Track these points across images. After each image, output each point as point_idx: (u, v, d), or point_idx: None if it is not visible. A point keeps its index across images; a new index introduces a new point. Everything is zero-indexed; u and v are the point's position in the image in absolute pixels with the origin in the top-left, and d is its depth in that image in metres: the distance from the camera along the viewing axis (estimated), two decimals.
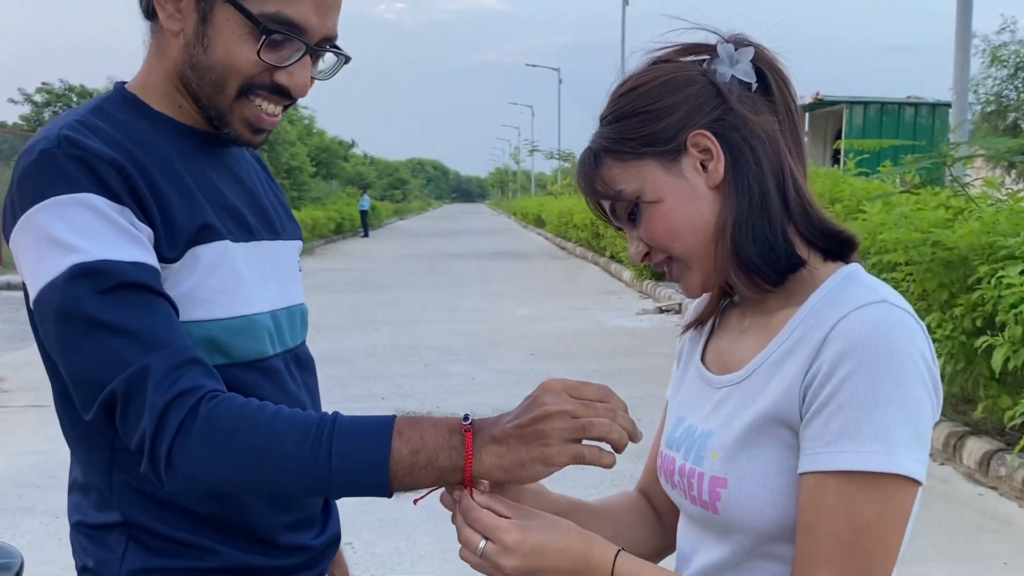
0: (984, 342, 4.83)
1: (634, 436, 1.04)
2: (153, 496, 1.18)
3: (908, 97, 18.46)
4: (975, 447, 5.11)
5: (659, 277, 13.67)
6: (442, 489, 1.07)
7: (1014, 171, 19.83)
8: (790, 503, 1.02)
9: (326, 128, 43.13)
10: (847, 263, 1.10)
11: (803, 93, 1.15)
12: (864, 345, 0.96)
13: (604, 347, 9.08)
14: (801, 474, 1.00)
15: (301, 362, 1.37)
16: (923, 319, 1.02)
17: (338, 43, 1.25)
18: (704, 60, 1.11)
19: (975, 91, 20.40)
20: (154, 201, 1.14)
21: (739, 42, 1.10)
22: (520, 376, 7.64)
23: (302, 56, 1.20)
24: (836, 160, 15.25)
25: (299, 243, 1.44)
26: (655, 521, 1.31)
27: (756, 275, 1.08)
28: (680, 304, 11.45)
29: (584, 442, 1.03)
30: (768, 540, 1.05)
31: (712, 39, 1.12)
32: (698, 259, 1.10)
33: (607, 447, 1.03)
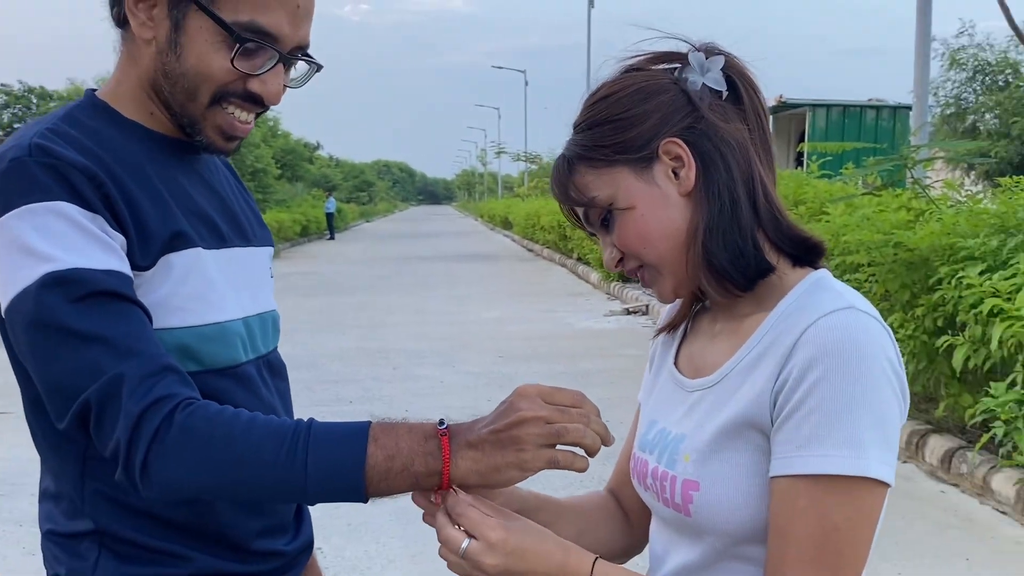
0: (945, 342, 4.92)
1: (606, 440, 1.06)
2: (125, 504, 1.17)
3: (870, 99, 18.70)
4: (937, 445, 5.20)
5: (626, 279, 13.74)
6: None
7: (973, 172, 20.16)
8: (762, 506, 1.03)
9: (291, 130, 42.92)
10: (815, 269, 1.12)
11: (766, 96, 1.17)
12: (833, 351, 0.98)
13: (572, 349, 9.11)
14: (772, 477, 1.02)
15: (273, 368, 1.37)
16: (885, 319, 1.04)
17: (309, 51, 1.26)
18: (675, 68, 1.13)
19: (935, 94, 20.70)
20: (126, 209, 1.14)
21: (710, 50, 1.12)
22: (489, 378, 7.65)
23: (275, 64, 1.21)
24: (799, 162, 15.42)
25: (270, 249, 1.44)
26: (623, 521, 1.33)
27: (727, 281, 1.09)
28: (647, 306, 11.52)
29: (558, 447, 1.04)
30: (740, 542, 1.06)
31: (683, 47, 1.13)
32: (670, 265, 1.11)
33: (580, 451, 1.05)
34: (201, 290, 1.20)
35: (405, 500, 1.10)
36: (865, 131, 17.30)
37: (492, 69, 49.72)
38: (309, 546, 1.41)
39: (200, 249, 1.22)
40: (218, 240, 1.27)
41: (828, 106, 17.87)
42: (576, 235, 17.16)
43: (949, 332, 5.05)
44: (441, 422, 1.06)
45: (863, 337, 0.99)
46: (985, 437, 4.55)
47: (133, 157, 1.19)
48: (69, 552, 1.21)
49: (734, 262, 1.08)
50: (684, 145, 1.08)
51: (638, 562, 1.27)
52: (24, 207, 1.07)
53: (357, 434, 1.05)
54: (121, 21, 1.22)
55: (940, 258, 5.14)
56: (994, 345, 4.43)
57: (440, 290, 14.65)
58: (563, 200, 1.15)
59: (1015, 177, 6.47)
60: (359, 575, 3.92)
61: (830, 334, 0.99)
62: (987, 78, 22.54)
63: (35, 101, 28.38)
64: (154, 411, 1.03)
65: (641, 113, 1.09)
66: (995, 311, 4.44)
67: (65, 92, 26.18)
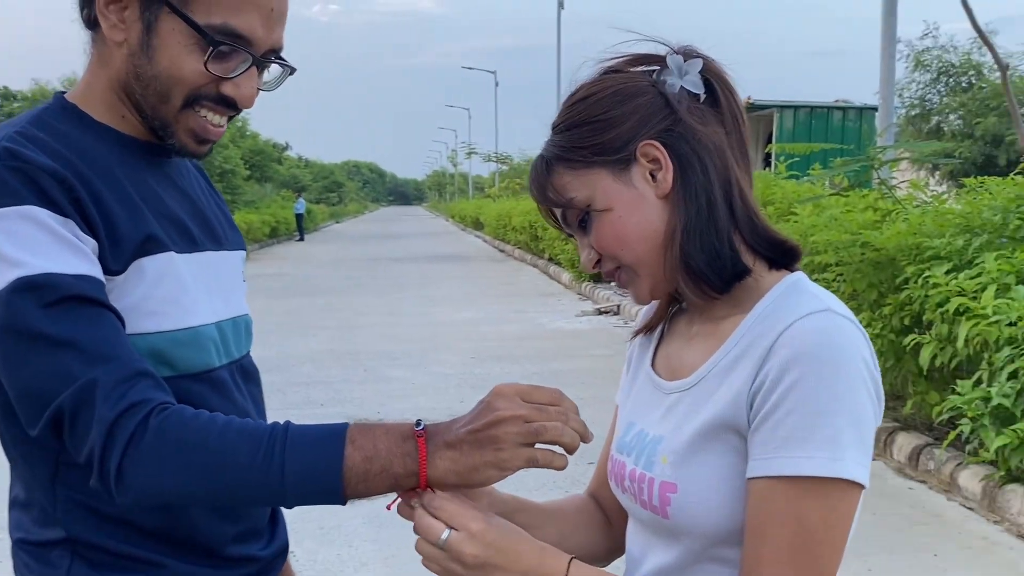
0: (912, 340, 4.98)
1: (585, 437, 1.06)
2: (98, 511, 1.16)
3: (836, 101, 18.89)
4: (905, 442, 5.26)
5: (597, 279, 13.78)
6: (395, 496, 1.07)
7: (937, 173, 20.42)
8: (739, 507, 1.04)
9: (259, 131, 42.62)
10: (791, 271, 1.13)
11: None
12: (810, 353, 0.99)
13: (544, 349, 9.13)
14: (750, 479, 1.02)
15: (246, 372, 1.36)
16: None
17: (282, 54, 1.25)
18: (654, 71, 1.13)
19: (900, 95, 20.96)
20: (98, 213, 1.12)
21: (688, 53, 1.12)
22: (461, 380, 7.65)
23: (248, 67, 1.20)
24: (767, 163, 15.55)
25: (243, 253, 1.43)
26: (604, 524, 1.33)
27: (704, 283, 1.10)
28: (618, 305, 11.57)
29: (537, 445, 1.04)
30: (717, 544, 1.07)
31: (661, 50, 1.14)
32: (647, 267, 1.12)
33: (559, 449, 1.05)
34: (174, 295, 1.19)
35: (378, 503, 1.09)
36: (832, 132, 17.47)
37: (462, 70, 49.71)
38: (284, 551, 1.40)
39: (172, 253, 1.20)
40: (190, 244, 1.26)
41: (795, 107, 18.03)
42: (548, 235, 17.19)
43: (916, 331, 5.11)
44: (418, 423, 1.06)
45: (839, 339, 1.00)
46: (952, 434, 4.61)
47: (104, 160, 1.18)
48: (41, 560, 1.19)
49: (711, 264, 1.09)
50: (662, 147, 1.09)
51: (618, 564, 1.28)
52: None
53: (334, 436, 1.05)
54: (91, 23, 1.20)
55: (907, 258, 5.21)
56: (960, 343, 4.49)
57: (411, 291, 14.62)
58: (541, 201, 1.15)
59: (979, 178, 6.57)
60: None
61: (807, 336, 1.00)
62: (951, 79, 22.85)
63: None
64: (128, 416, 1.02)
65: (619, 115, 1.10)
66: (961, 310, 4.50)
67: (30, 92, 25.85)
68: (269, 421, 1.10)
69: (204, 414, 1.06)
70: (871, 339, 1.07)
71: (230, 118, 1.25)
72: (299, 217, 35.38)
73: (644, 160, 1.09)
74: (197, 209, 1.32)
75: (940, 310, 4.70)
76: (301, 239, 34.53)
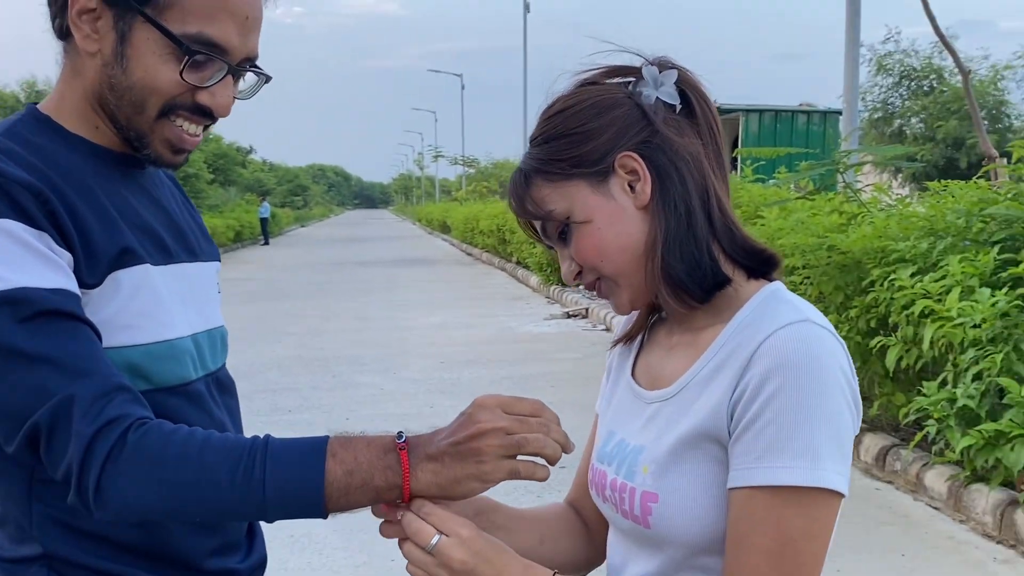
0: (878, 342, 5.04)
1: (566, 448, 1.07)
2: (75, 527, 1.14)
3: (800, 104, 19.12)
4: (872, 443, 5.32)
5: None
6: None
7: (900, 175, 20.70)
8: (720, 517, 1.05)
9: (223, 134, 42.31)
10: (770, 281, 1.14)
11: None
12: (789, 363, 1.00)
13: (514, 353, 9.13)
14: (731, 489, 1.03)
15: (222, 385, 1.35)
16: None
17: (258, 62, 1.25)
18: (629, 82, 1.13)
19: (863, 99, 21.26)
20: (73, 226, 1.11)
21: (663, 64, 1.13)
22: (430, 385, 7.63)
23: (224, 76, 1.19)
24: (734, 166, 15.69)
25: (217, 264, 1.42)
26: (583, 532, 1.33)
27: (684, 292, 1.10)
28: (587, 309, 11.60)
29: (518, 457, 1.04)
30: (698, 552, 1.07)
31: (637, 61, 1.14)
32: (627, 277, 1.12)
33: (541, 461, 1.05)
34: (150, 307, 1.18)
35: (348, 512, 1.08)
36: (797, 135, 17.69)
37: (428, 72, 49.65)
38: (262, 563, 1.39)
39: (148, 265, 1.19)
40: (165, 256, 1.25)
41: (760, 111, 18.23)
42: (516, 239, 17.21)
43: (882, 333, 5.18)
44: (400, 435, 1.06)
45: (818, 350, 1.01)
46: (919, 435, 4.67)
47: (78, 173, 1.16)
48: None
49: (691, 274, 1.09)
50: (639, 159, 1.09)
51: (598, 572, 1.28)
52: None
53: (315, 450, 1.04)
54: (63, 33, 1.19)
55: (872, 260, 5.27)
56: (925, 345, 4.55)
57: (379, 296, 14.56)
58: (520, 213, 1.15)
59: (943, 181, 6.67)
60: None
61: (786, 347, 1.01)
62: (913, 83, 23.20)
63: None
64: (107, 432, 1.01)
65: (597, 127, 1.10)
66: (926, 312, 4.56)
67: None
68: (253, 434, 1.09)
69: (183, 429, 1.05)
70: None
71: (206, 127, 1.24)
72: (264, 221, 35.16)
73: (622, 171, 1.10)
74: (171, 220, 1.31)
75: (906, 312, 4.77)
76: (266, 243, 34.33)
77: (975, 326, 4.24)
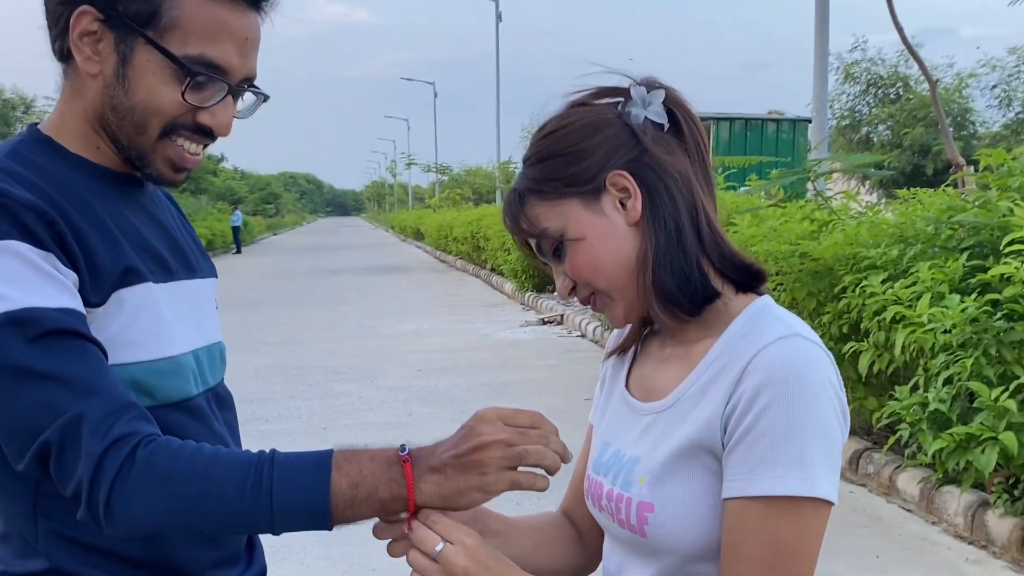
0: (851, 347, 5.11)
1: (565, 458, 1.10)
2: (80, 541, 1.16)
3: (770, 112, 19.30)
4: (845, 447, 5.38)
5: (541, 289, 13.85)
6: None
7: (868, 182, 20.94)
8: (714, 526, 1.08)
9: None
10: (758, 295, 1.18)
11: None
12: (781, 377, 1.04)
13: (490, 360, 9.15)
14: (725, 499, 1.07)
15: (221, 400, 1.37)
16: None
17: (256, 82, 1.27)
18: (618, 103, 1.17)
19: (831, 106, 21.49)
20: (78, 246, 1.13)
21: (650, 84, 1.16)
22: (408, 393, 7.63)
23: (224, 96, 1.21)
24: None
25: (214, 280, 1.44)
26: (576, 540, 1.36)
27: (675, 306, 1.14)
28: (562, 315, 11.65)
29: (519, 468, 1.08)
30: (693, 561, 1.11)
31: (625, 82, 1.18)
32: (620, 292, 1.16)
33: (540, 471, 1.09)
34: (153, 325, 1.20)
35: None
36: (767, 143, 17.85)
37: (401, 81, 49.59)
38: (262, 575, 1.41)
39: (150, 283, 1.21)
40: (166, 273, 1.27)
41: (731, 119, 18.37)
42: (490, 246, 17.22)
43: (854, 338, 5.25)
44: (403, 447, 1.08)
45: (807, 364, 1.06)
46: (892, 439, 4.74)
47: (81, 193, 1.18)
48: None
49: (681, 288, 1.13)
50: (630, 177, 1.13)
51: None
52: None
53: (320, 464, 1.07)
54: (64, 55, 1.20)
55: (844, 267, 5.35)
56: (897, 350, 4.63)
57: (354, 304, 14.53)
58: (515, 232, 1.18)
59: (911, 188, 6.77)
60: None
61: (777, 361, 1.05)
62: (879, 91, 23.50)
63: None
64: (116, 450, 1.03)
65: (588, 147, 1.14)
66: (897, 318, 4.64)
67: None
68: (260, 449, 1.11)
69: (190, 445, 1.07)
70: None
71: (205, 146, 1.26)
72: (236, 230, 34.90)
73: (614, 189, 1.14)
74: (171, 238, 1.33)
75: (877, 318, 4.84)
76: (238, 252, 34.07)
77: (945, 331, 4.32)
